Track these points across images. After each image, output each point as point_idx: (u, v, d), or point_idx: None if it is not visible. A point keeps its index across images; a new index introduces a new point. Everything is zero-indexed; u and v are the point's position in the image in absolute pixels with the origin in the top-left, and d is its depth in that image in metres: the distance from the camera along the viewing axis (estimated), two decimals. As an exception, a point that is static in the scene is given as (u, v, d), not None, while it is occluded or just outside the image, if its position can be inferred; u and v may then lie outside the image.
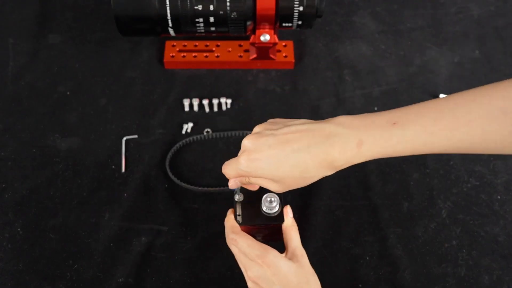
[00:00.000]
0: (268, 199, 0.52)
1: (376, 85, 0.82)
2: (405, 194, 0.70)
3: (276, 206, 0.52)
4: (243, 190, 0.54)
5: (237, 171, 0.48)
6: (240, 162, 0.47)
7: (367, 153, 0.45)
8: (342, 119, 0.46)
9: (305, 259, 0.51)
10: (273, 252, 0.49)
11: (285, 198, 0.54)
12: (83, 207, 0.69)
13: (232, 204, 0.54)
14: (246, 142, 0.48)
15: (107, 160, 0.73)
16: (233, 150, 0.75)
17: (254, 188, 0.52)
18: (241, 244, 0.50)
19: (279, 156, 0.46)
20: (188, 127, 0.77)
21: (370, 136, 0.44)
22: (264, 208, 0.52)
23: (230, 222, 0.53)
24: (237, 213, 0.53)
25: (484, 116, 0.41)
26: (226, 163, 0.50)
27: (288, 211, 0.53)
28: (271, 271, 0.48)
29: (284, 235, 0.52)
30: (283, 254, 0.51)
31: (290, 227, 0.52)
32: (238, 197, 0.54)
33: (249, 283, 0.51)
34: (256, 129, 0.50)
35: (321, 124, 0.47)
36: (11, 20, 0.91)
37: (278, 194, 0.52)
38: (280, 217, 0.53)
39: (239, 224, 0.52)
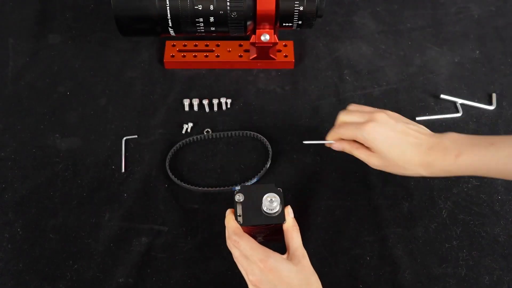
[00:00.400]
0: (269, 199, 0.52)
1: (376, 85, 0.82)
2: (405, 194, 0.70)
3: (276, 206, 0.52)
4: (243, 190, 0.54)
5: (355, 134, 0.58)
6: (365, 128, 0.56)
7: (461, 164, 0.54)
8: (453, 135, 0.57)
9: (306, 260, 0.51)
10: (274, 256, 0.49)
11: (285, 198, 0.54)
12: (83, 207, 0.69)
13: (232, 204, 0.54)
14: (382, 115, 0.57)
15: (107, 160, 0.73)
16: (233, 150, 0.75)
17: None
18: (243, 246, 0.50)
19: (398, 141, 0.56)
20: (188, 127, 0.77)
21: (468, 150, 0.54)
22: (264, 208, 0.52)
23: (232, 223, 0.53)
24: (238, 214, 0.53)
25: None
26: (346, 125, 0.59)
27: (289, 211, 0.53)
28: (272, 275, 0.48)
29: (285, 236, 0.52)
30: (284, 256, 0.51)
31: (291, 227, 0.52)
32: (238, 198, 0.53)
33: (250, 287, 0.51)
34: (383, 112, 0.59)
35: (436, 134, 0.58)
36: (11, 20, 0.91)
37: (278, 194, 0.52)
38: (281, 216, 0.52)
39: (240, 224, 0.52)
